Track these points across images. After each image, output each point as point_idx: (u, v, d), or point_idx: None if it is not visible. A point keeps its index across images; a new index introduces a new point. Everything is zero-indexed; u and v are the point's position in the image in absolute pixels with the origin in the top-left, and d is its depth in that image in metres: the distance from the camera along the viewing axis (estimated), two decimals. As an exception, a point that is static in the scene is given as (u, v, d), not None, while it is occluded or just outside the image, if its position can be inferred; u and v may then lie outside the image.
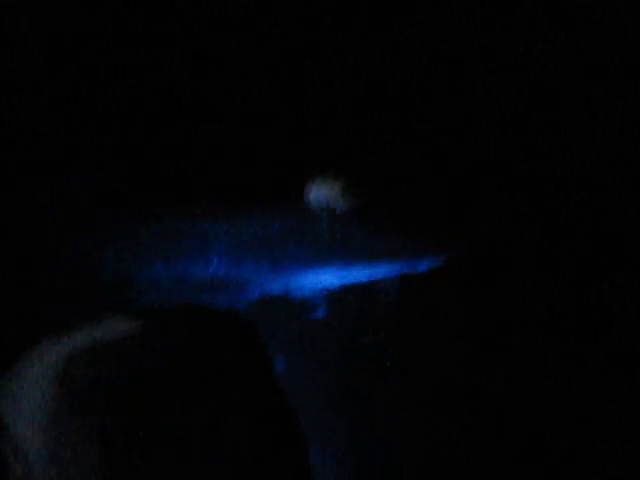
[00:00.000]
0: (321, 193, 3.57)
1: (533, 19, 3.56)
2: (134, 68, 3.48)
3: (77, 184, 3.52)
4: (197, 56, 3.51)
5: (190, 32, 3.48)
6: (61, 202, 3.52)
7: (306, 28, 3.51)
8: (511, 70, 3.62)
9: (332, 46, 3.54)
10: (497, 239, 3.90)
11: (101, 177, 3.53)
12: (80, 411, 2.80)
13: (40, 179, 3.51)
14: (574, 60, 3.59)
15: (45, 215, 3.54)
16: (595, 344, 3.85)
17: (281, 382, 3.09)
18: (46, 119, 3.47)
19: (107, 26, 3.43)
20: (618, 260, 3.82)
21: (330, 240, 3.77)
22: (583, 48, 3.57)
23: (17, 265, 3.59)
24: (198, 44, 3.50)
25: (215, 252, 3.78)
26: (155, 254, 3.74)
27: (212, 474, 2.85)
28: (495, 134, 3.70)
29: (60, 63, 3.44)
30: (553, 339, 3.89)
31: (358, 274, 3.96)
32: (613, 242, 3.82)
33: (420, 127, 3.68)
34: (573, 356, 3.87)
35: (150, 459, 2.80)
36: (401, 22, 3.54)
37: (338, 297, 4.02)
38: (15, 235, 3.54)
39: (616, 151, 3.71)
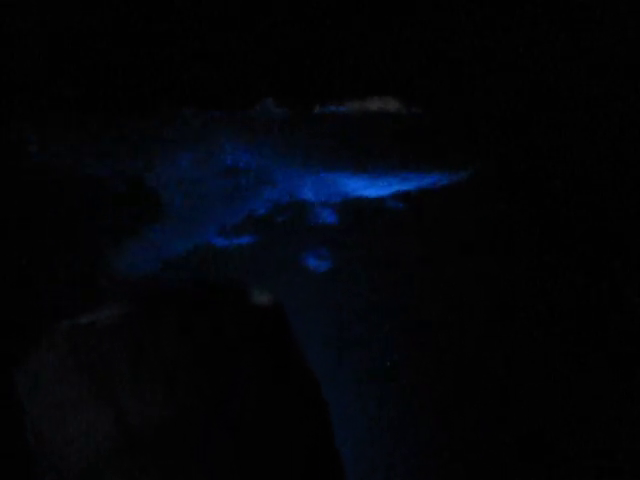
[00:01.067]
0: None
1: (533, 19, 3.56)
2: (134, 68, 3.48)
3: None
4: (197, 56, 3.51)
5: (190, 32, 3.48)
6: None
7: (306, 28, 3.51)
8: (511, 70, 3.62)
9: (332, 46, 3.54)
10: (499, 238, 3.90)
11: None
12: (99, 395, 2.77)
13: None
14: (574, 60, 3.59)
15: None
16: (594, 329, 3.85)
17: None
18: (46, 118, 3.47)
19: (107, 26, 3.43)
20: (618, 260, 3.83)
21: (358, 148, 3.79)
22: (583, 48, 3.57)
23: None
24: (198, 44, 3.50)
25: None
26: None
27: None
28: (495, 134, 3.71)
29: (60, 63, 3.44)
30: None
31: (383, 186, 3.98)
32: (613, 242, 3.82)
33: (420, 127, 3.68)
34: (572, 355, 3.87)
35: (170, 439, 2.78)
36: (401, 22, 3.54)
37: (360, 206, 4.04)
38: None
39: (616, 151, 3.72)
